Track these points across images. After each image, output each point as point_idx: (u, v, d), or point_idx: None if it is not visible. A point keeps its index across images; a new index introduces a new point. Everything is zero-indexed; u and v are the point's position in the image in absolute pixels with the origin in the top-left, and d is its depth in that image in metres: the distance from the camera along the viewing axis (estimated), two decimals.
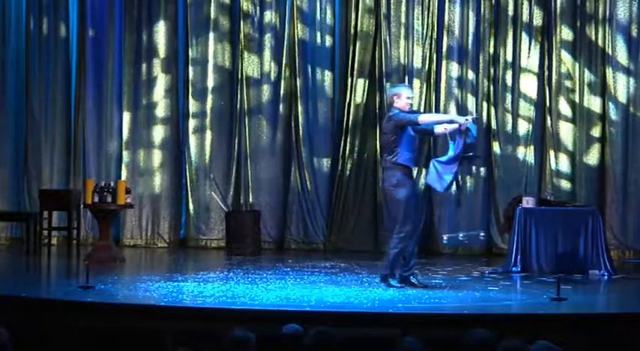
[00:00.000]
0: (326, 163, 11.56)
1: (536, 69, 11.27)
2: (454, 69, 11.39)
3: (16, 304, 7.00)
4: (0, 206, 11.44)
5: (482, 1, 11.28)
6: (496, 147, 11.35)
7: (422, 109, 11.31)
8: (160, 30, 11.55)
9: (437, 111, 11.29)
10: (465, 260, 10.61)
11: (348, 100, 11.47)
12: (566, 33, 11.21)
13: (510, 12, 11.27)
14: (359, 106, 11.50)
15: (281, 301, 7.32)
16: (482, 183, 11.37)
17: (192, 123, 11.59)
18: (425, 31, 11.36)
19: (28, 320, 6.49)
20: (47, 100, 11.59)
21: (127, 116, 11.60)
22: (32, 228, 10.33)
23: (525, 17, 11.23)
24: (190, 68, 11.55)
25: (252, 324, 5.51)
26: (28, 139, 11.55)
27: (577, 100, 11.23)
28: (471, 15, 11.31)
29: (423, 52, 11.37)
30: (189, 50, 11.54)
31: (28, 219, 10.47)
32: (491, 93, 11.35)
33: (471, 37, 11.33)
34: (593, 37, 11.16)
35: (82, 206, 10.29)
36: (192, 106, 11.56)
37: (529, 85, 11.30)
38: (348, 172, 11.48)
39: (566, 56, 11.22)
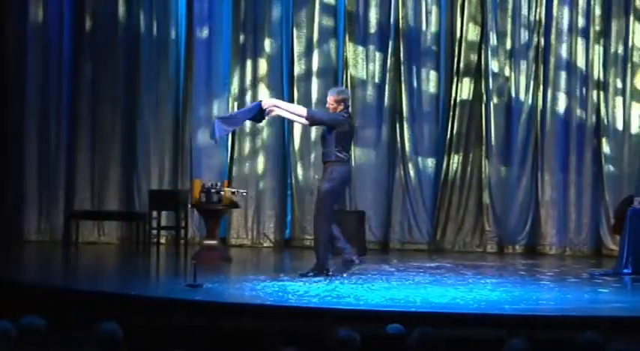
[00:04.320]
0: (430, 162, 11.48)
1: None
2: (564, 49, 11.14)
3: (126, 301, 7.16)
4: (111, 206, 11.69)
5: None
6: (605, 145, 11.11)
7: (530, 100, 11.20)
8: (265, 29, 11.63)
9: (545, 101, 11.14)
10: (573, 261, 10.43)
11: (453, 96, 11.36)
12: None
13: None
14: (464, 103, 11.39)
15: (386, 301, 7.30)
16: (590, 182, 11.14)
17: (297, 124, 11.63)
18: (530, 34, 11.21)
19: (137, 317, 6.63)
20: (156, 100, 11.77)
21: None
22: (142, 227, 10.53)
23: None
24: (295, 68, 11.60)
25: (357, 324, 5.52)
26: (137, 140, 11.77)
27: None
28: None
29: (527, 55, 11.22)
30: (294, 49, 11.58)
31: (137, 219, 10.68)
32: (601, 92, 11.11)
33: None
34: None
35: (189, 206, 10.43)
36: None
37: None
38: (453, 171, 11.38)
39: None
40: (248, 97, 11.59)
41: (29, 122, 11.76)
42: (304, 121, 8.93)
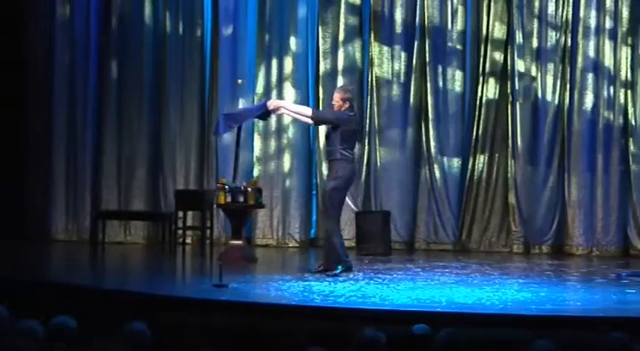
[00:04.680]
0: (456, 162, 11.45)
1: None
2: (591, 49, 11.08)
3: (153, 301, 7.19)
4: (137, 206, 11.74)
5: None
6: (632, 145, 11.02)
7: (557, 100, 11.14)
8: (291, 28, 11.62)
9: (572, 101, 11.06)
10: (600, 262, 10.37)
11: (479, 95, 11.31)
12: None
13: None
14: (490, 103, 11.33)
15: (411, 301, 7.30)
16: (618, 182, 11.06)
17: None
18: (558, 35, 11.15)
19: (163, 317, 6.66)
20: (182, 100, 11.81)
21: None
22: (168, 227, 10.57)
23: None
24: (320, 67, 11.59)
25: (383, 324, 5.52)
26: (163, 140, 11.82)
27: None
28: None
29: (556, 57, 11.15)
30: (319, 49, 11.57)
31: (164, 219, 10.73)
32: (629, 91, 11.03)
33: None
34: None
35: (215, 206, 10.46)
36: (323, 105, 11.59)
37: None
38: (479, 171, 11.33)
39: None
40: (274, 96, 11.60)
41: (56, 123, 11.84)
42: (309, 120, 9.15)
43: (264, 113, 9.24)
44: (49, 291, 7.65)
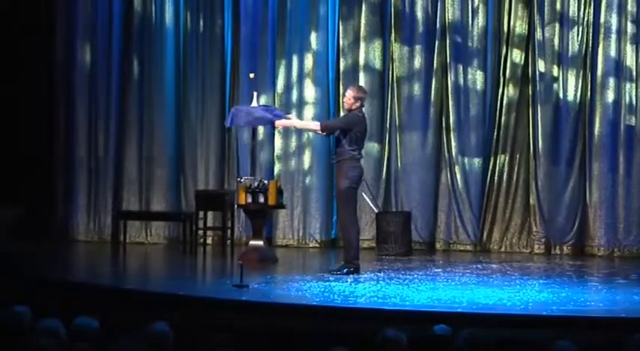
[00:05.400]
0: (477, 162, 11.42)
1: None
2: (612, 50, 11.01)
3: (173, 301, 7.22)
4: (159, 207, 11.79)
5: None
6: None
7: (578, 101, 11.08)
8: (311, 25, 11.62)
9: (593, 102, 11.01)
10: (622, 262, 10.32)
11: (500, 95, 11.28)
12: None
13: None
14: (511, 103, 11.30)
15: (432, 301, 7.29)
16: (639, 182, 11.00)
17: None
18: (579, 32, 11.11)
19: (184, 317, 6.68)
20: (203, 99, 11.84)
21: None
22: (188, 228, 10.61)
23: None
24: (341, 66, 11.60)
25: (403, 324, 5.52)
26: (184, 141, 11.86)
27: None
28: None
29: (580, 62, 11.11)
30: (340, 47, 11.57)
31: (184, 219, 10.76)
32: None
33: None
34: None
35: (235, 206, 10.48)
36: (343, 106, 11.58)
37: None
38: (500, 172, 11.31)
39: None
40: (294, 93, 11.61)
41: (78, 123, 11.91)
42: (320, 132, 9.33)
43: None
44: (70, 291, 7.68)
